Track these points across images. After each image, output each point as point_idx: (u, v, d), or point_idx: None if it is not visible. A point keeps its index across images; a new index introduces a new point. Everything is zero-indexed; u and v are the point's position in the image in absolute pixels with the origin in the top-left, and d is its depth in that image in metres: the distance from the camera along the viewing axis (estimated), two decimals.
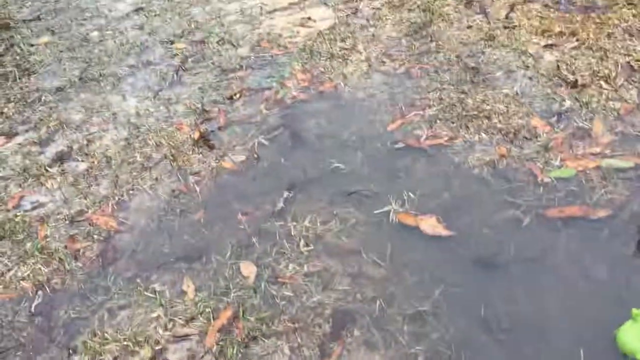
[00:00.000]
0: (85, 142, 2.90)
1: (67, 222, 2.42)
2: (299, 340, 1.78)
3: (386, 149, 2.51)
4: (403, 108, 2.73)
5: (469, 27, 3.30)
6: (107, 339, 1.89)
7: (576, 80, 2.67)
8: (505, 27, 3.22)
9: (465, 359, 1.65)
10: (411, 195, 2.23)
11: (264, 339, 1.79)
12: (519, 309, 1.77)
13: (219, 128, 2.84)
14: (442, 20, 3.41)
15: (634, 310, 1.63)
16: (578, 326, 1.70)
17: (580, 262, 1.88)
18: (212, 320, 1.88)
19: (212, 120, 2.91)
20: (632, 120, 2.41)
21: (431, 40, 3.23)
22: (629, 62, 2.72)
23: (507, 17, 3.33)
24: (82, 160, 2.78)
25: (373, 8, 3.73)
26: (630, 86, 2.59)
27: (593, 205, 2.05)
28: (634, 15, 3.07)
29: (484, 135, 2.48)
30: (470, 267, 1.93)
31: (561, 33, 3.06)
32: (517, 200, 2.13)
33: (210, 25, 3.90)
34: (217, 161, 2.61)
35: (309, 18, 3.76)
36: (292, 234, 2.16)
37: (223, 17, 3.99)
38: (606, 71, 2.69)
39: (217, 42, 3.65)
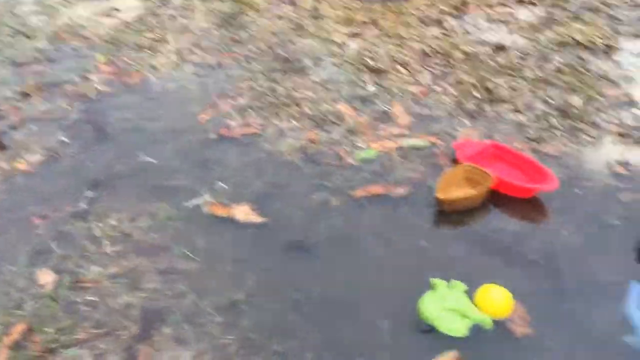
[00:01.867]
0: None
1: None
2: (103, 346, 1.65)
3: (198, 140, 2.44)
4: (215, 98, 2.68)
5: (279, 17, 3.34)
6: None
7: (378, 67, 2.81)
8: (313, 17, 3.30)
9: (276, 341, 1.65)
10: (223, 185, 2.20)
11: (63, 350, 1.64)
12: (329, 288, 1.81)
13: (13, 127, 2.57)
14: (253, 10, 3.41)
15: (432, 280, 1.74)
16: (384, 299, 1.77)
17: (384, 237, 1.97)
18: (2, 337, 1.68)
19: (3, 119, 2.63)
20: (427, 102, 2.59)
21: (242, 30, 3.21)
22: (423, 49, 2.93)
23: (314, 7, 3.41)
24: None
25: None
26: (425, 71, 2.79)
27: (394, 183, 2.17)
28: (427, 5, 3.31)
29: (294, 122, 2.51)
30: (283, 252, 1.94)
31: (364, 23, 3.20)
32: (326, 183, 2.19)
33: (1, 15, 3.53)
34: (9, 163, 2.35)
35: (115, 8, 3.55)
36: (97, 234, 2.01)
37: (16, 6, 3.63)
38: (404, 57, 2.87)
39: (10, 34, 3.31)
